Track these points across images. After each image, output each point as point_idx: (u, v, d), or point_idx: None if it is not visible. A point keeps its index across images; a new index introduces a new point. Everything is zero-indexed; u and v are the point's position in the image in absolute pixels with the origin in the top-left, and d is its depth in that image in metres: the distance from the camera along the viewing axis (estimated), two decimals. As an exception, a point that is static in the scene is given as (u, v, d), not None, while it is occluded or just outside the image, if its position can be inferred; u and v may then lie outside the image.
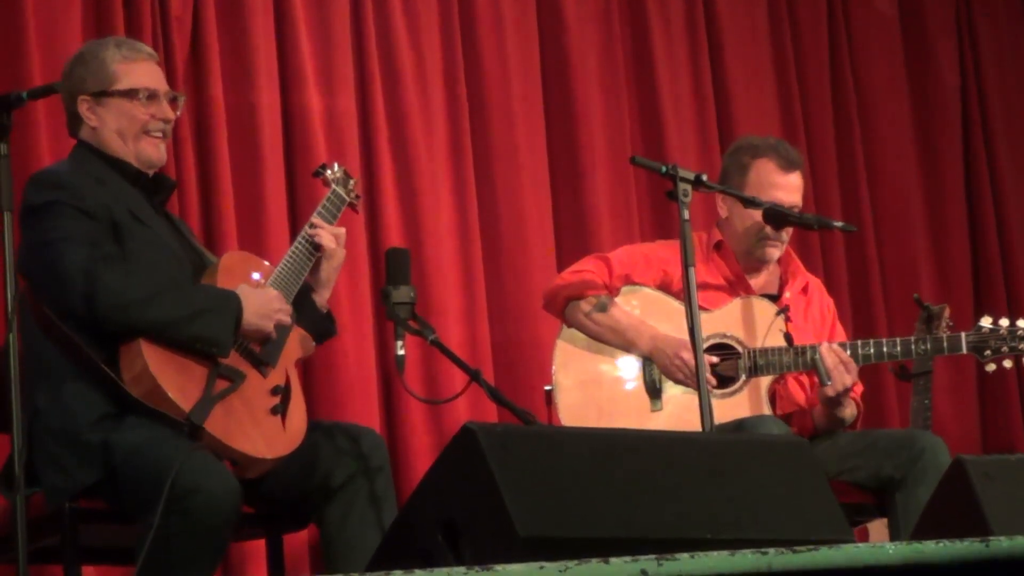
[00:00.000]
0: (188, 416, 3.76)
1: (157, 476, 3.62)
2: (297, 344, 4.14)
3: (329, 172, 4.37)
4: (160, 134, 4.13)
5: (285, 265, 4.14)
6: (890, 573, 2.97)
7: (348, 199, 4.35)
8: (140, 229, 3.99)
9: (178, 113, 4.20)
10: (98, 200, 3.94)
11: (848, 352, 4.83)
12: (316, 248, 4.20)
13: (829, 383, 4.77)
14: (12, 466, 3.55)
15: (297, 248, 4.18)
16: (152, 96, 4.11)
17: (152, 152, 4.12)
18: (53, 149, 5.05)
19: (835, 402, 4.85)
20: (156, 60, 4.22)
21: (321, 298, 4.26)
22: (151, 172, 4.14)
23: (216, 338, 3.87)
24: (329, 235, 4.21)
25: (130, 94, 4.09)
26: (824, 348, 4.80)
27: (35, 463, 3.81)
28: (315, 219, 4.23)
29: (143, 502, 3.66)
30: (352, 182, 4.39)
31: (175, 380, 3.80)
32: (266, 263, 4.21)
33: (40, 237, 3.90)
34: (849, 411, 4.92)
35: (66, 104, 4.12)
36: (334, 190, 4.32)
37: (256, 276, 4.09)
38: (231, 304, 3.92)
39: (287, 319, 4.04)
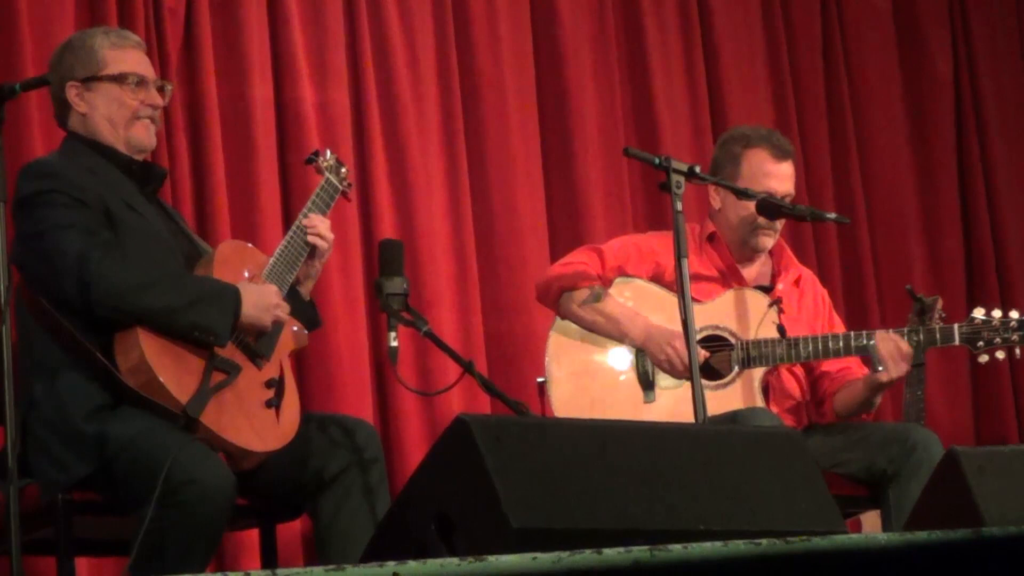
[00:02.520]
0: (184, 408, 3.76)
1: (151, 468, 3.62)
2: (291, 337, 4.14)
3: (321, 159, 4.36)
4: (149, 119, 4.13)
5: (279, 256, 4.13)
6: (883, 562, 2.97)
7: (341, 187, 4.34)
8: (134, 218, 3.98)
9: (166, 102, 4.20)
10: (91, 189, 3.94)
11: (850, 341, 4.84)
12: (308, 242, 4.19)
13: (882, 370, 4.78)
14: (6, 458, 3.55)
15: (291, 239, 4.17)
16: (141, 82, 4.11)
17: (143, 136, 4.11)
18: (46, 141, 5.04)
19: (880, 389, 4.86)
20: (144, 49, 4.22)
21: (305, 289, 4.26)
22: (141, 157, 4.13)
23: (214, 327, 3.86)
24: (324, 231, 4.20)
25: (120, 79, 4.08)
26: (880, 336, 4.80)
27: (29, 455, 3.81)
28: (309, 212, 4.22)
29: (137, 494, 3.66)
30: (344, 170, 4.39)
31: (172, 371, 3.80)
32: (261, 254, 4.21)
33: (34, 227, 3.90)
34: (879, 398, 4.95)
35: (54, 92, 4.11)
36: (327, 178, 4.31)
37: (245, 273, 4.08)
38: (230, 296, 3.91)
39: (284, 315, 4.04)
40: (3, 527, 3.50)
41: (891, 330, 4.86)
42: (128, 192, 4.03)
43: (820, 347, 4.85)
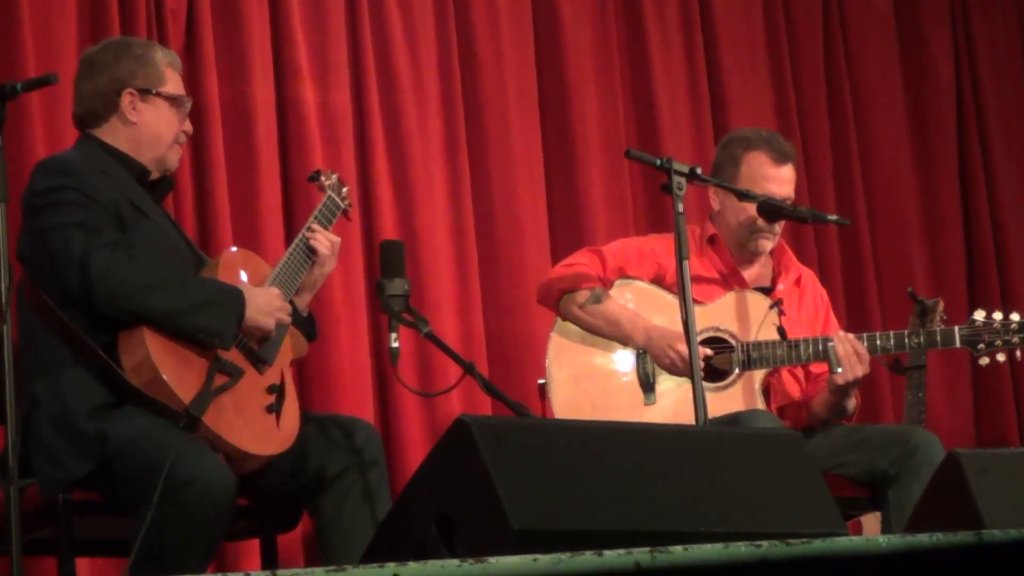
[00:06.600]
0: (187, 408, 3.76)
1: (152, 467, 3.62)
2: (292, 345, 4.15)
3: (324, 178, 4.39)
4: (180, 144, 4.19)
5: (284, 265, 4.15)
6: (883, 564, 2.97)
7: (342, 206, 4.36)
8: (144, 222, 4.00)
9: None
10: (105, 189, 3.95)
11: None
12: (312, 252, 4.20)
13: (839, 371, 4.77)
14: (6, 457, 3.55)
15: (295, 250, 4.19)
16: (187, 109, 4.15)
17: (175, 159, 4.19)
18: (47, 141, 5.05)
19: (842, 391, 4.84)
20: None
21: (303, 302, 4.26)
22: (158, 176, 4.15)
23: (219, 331, 3.87)
24: (326, 241, 4.21)
25: (177, 101, 4.14)
26: (838, 337, 4.80)
27: (30, 453, 3.81)
28: (313, 224, 4.24)
29: (138, 493, 3.65)
30: (345, 189, 4.41)
31: (176, 371, 3.81)
32: (264, 263, 4.22)
33: (43, 222, 3.90)
34: (852, 402, 4.92)
35: (98, 91, 4.10)
36: (329, 196, 4.34)
37: (244, 277, 4.08)
38: (235, 299, 3.92)
39: (287, 318, 4.05)
40: (4, 527, 3.50)
41: (851, 333, 4.85)
42: (140, 196, 4.05)
43: (821, 349, 4.84)
